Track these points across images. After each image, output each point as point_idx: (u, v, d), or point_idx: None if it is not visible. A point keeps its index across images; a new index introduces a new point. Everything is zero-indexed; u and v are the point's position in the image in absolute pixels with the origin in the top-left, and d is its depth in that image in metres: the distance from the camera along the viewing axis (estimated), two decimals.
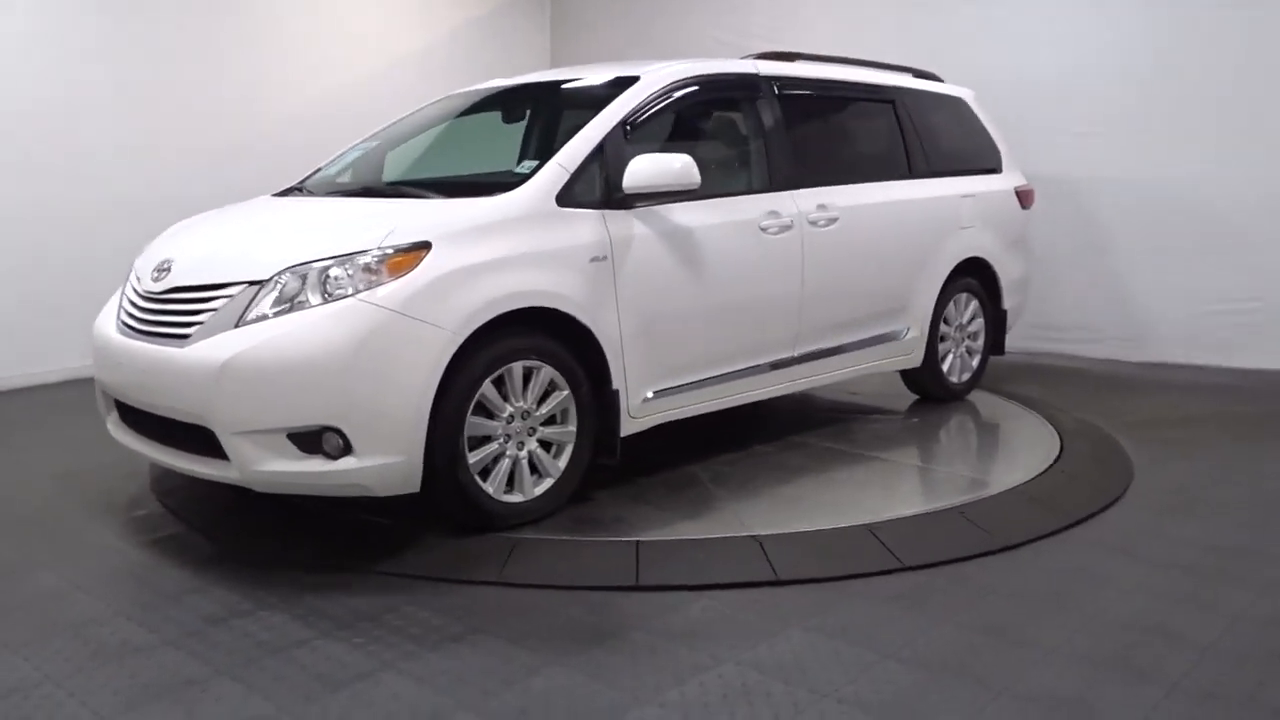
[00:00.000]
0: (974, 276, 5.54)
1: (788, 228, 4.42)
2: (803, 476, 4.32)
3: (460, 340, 3.38)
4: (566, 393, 3.72)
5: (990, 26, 6.98)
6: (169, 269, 3.70)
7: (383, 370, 3.26)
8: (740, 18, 8.15)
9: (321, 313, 3.28)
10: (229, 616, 3.01)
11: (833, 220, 4.61)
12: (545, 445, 3.76)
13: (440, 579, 3.28)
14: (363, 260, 3.36)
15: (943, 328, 5.40)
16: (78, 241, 6.42)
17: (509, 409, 3.60)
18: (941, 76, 5.81)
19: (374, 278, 3.33)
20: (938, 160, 5.40)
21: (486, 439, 3.57)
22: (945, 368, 5.49)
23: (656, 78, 4.26)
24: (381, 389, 3.26)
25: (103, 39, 6.62)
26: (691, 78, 4.40)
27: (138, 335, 3.65)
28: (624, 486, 4.13)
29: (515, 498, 3.66)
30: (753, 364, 4.43)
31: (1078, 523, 3.76)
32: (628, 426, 3.96)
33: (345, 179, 4.68)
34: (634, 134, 4.07)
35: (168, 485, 4.28)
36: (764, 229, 4.35)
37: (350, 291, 3.30)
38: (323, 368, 3.22)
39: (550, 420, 3.74)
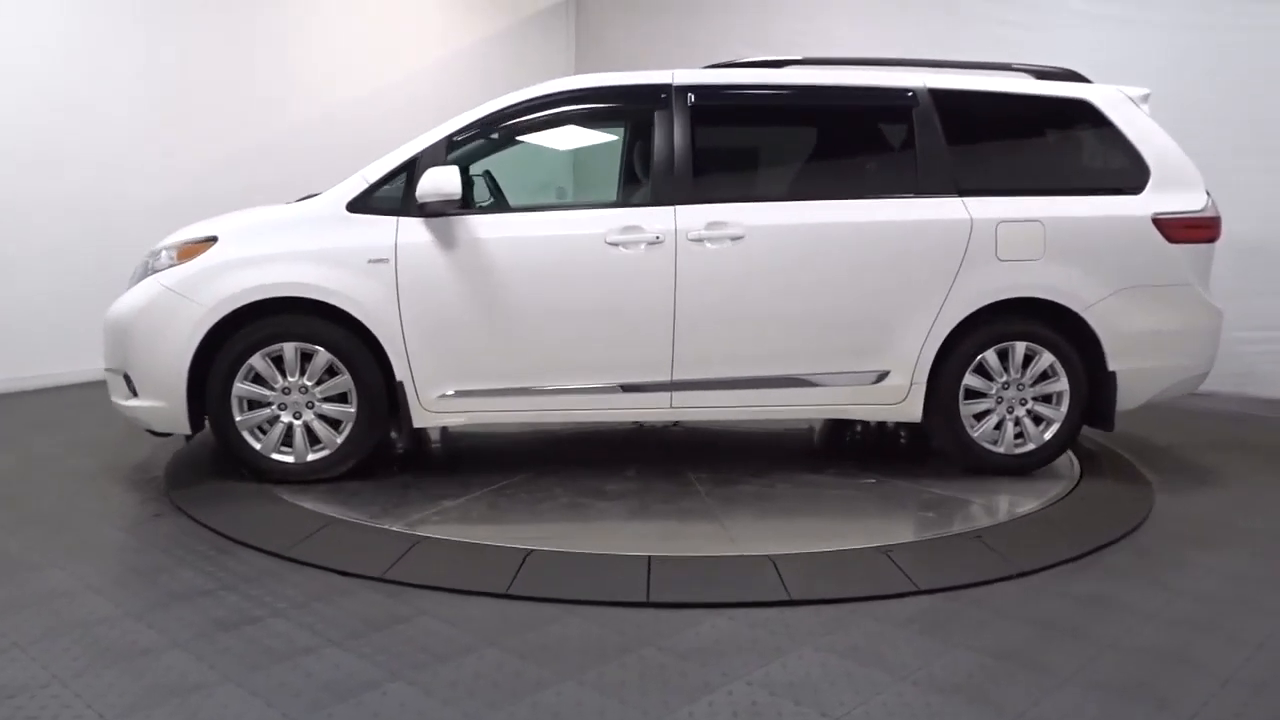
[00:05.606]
0: (1046, 323, 4.47)
1: (654, 244, 4.22)
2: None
3: (217, 317, 4.11)
4: (346, 376, 4.23)
5: (995, 40, 6.92)
6: None
7: (154, 332, 4.16)
8: (762, 25, 8.16)
9: (137, 286, 4.26)
10: (239, 622, 3.01)
11: (735, 239, 4.24)
12: (336, 422, 4.29)
13: (451, 590, 3.26)
14: (172, 247, 4.27)
15: (973, 380, 4.46)
16: (104, 241, 6.46)
17: (283, 382, 4.20)
18: (1088, 77, 4.79)
19: (173, 262, 4.21)
20: (987, 175, 4.51)
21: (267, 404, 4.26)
22: (977, 433, 4.51)
23: (513, 96, 4.40)
24: (151, 347, 4.17)
25: (134, 43, 6.69)
26: (561, 93, 4.49)
27: None
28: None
29: (286, 458, 4.28)
30: (594, 382, 4.31)
31: (1096, 549, 3.72)
32: (422, 419, 4.32)
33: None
34: (475, 150, 4.45)
35: (183, 487, 4.30)
36: (614, 244, 4.21)
37: (160, 270, 4.21)
38: (120, 326, 4.24)
39: (342, 398, 4.26)
